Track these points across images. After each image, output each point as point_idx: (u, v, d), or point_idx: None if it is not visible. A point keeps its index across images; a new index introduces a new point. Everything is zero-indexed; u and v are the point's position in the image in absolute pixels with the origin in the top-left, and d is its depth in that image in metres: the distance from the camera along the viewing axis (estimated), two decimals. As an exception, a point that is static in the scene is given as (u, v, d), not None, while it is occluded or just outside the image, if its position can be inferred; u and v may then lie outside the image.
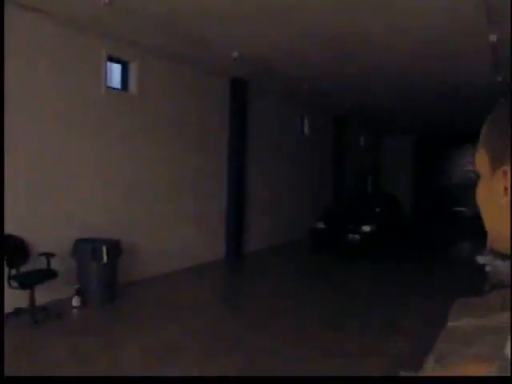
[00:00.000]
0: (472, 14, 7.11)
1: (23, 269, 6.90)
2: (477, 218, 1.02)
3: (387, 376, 3.08)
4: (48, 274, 7.01)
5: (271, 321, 7.24)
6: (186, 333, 6.63)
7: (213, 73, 11.17)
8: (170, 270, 9.95)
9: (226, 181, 11.99)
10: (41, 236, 7.36)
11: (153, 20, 7.81)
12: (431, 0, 6.86)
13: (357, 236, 12.29)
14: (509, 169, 0.88)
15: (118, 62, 9.19)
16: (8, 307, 6.62)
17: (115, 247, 7.89)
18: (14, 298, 6.72)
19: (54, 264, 7.21)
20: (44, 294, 7.14)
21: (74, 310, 7.41)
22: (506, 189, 0.89)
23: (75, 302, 7.45)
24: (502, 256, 0.97)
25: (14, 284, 6.64)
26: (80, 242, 7.73)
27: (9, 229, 6.65)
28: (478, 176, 0.99)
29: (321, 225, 12.85)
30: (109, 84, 8.90)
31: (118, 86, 9.31)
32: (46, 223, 7.57)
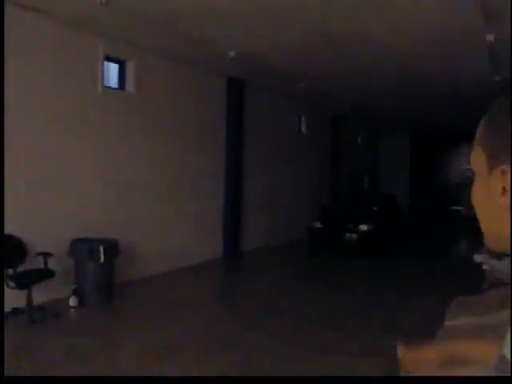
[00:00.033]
0: (470, 14, 7.12)
1: (20, 268, 6.89)
2: (474, 218, 1.01)
3: (387, 376, 3.08)
4: (45, 274, 7.00)
5: (268, 320, 7.24)
6: (183, 332, 6.63)
7: (210, 72, 11.17)
8: (168, 270, 9.95)
9: (224, 180, 11.99)
10: (38, 236, 7.36)
11: (150, 19, 7.80)
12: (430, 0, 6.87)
13: (354, 235, 12.29)
14: (508, 168, 0.87)
15: (115, 61, 9.18)
16: (6, 307, 6.61)
17: (112, 247, 7.88)
18: (12, 298, 6.72)
19: (52, 264, 7.21)
20: (41, 294, 7.13)
21: (72, 310, 7.40)
22: (504, 188, 0.88)
23: (72, 301, 7.44)
24: (497, 255, 0.97)
25: (11, 284, 6.63)
26: (77, 242, 7.72)
27: (8, 229, 6.64)
28: (473, 174, 0.98)
29: (318, 224, 12.84)
30: (106, 83, 8.90)
31: (116, 86, 9.30)
32: (44, 223, 7.57)
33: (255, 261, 12.24)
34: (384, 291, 9.18)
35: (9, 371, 4.72)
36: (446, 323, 4.24)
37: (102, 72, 8.65)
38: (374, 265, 11.50)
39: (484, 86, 11.48)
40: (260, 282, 9.79)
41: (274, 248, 13.59)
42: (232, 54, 9.60)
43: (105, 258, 7.61)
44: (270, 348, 6.09)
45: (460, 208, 21.64)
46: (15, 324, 6.58)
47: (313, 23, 7.92)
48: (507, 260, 4.62)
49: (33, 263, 7.07)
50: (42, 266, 7.09)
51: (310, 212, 14.38)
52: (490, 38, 7.97)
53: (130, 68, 9.32)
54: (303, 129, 16.48)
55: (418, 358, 1.53)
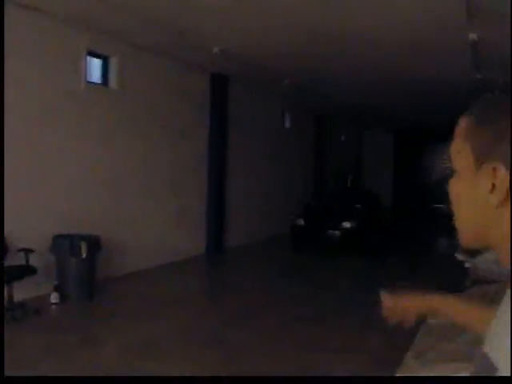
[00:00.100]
0: (453, 13, 7.16)
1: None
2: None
3: (387, 376, 3.10)
4: (27, 271, 6.94)
5: (252, 316, 7.24)
6: (166, 328, 6.61)
7: (194, 68, 11.14)
8: (150, 266, 9.90)
9: (207, 176, 11.97)
10: (19, 232, 7.28)
11: (133, 14, 7.75)
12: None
13: (337, 232, 12.33)
14: (500, 166, 0.86)
15: (98, 56, 9.11)
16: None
17: (94, 243, 7.83)
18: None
19: (33, 260, 7.14)
20: (22, 291, 7.06)
21: (53, 307, 7.35)
22: (493, 185, 0.87)
23: (54, 298, 7.38)
24: (471, 252, 0.98)
25: (-8, 280, 6.56)
26: (59, 238, 7.66)
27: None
28: (455, 170, 0.97)
29: (301, 221, 12.87)
30: (89, 79, 8.83)
31: (99, 81, 9.24)
32: (25, 219, 7.49)
33: (239, 257, 12.24)
34: (367, 288, 9.18)
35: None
36: (428, 320, 4.26)
37: (85, 67, 8.58)
38: (356, 262, 11.55)
39: (464, 84, 11.58)
40: (243, 279, 9.78)
41: (256, 243, 13.59)
42: (216, 49, 9.57)
43: (86, 254, 7.56)
44: (254, 344, 6.09)
45: (441, 206, 21.80)
46: (-5, 321, 6.52)
47: (299, 19, 7.92)
48: (488, 257, 4.66)
49: (14, 259, 7.00)
50: (23, 262, 7.03)
51: (294, 208, 14.39)
52: (472, 36, 8.02)
53: (113, 64, 9.26)
54: (287, 126, 16.51)
55: (398, 305, 1.63)
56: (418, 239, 16.18)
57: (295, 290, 8.89)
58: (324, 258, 11.93)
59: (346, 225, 12.40)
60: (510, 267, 0.88)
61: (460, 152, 0.95)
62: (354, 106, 17.19)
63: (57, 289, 7.41)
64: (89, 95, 8.67)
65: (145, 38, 9.01)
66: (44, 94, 7.87)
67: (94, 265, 7.87)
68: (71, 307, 7.44)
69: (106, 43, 8.93)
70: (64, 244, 7.55)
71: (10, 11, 7.05)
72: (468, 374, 0.96)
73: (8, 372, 4.51)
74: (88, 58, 8.73)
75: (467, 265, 4.91)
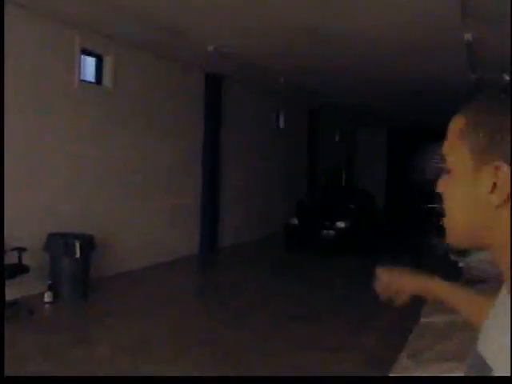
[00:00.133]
0: (448, 13, 7.16)
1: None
2: None
3: (388, 376, 3.10)
4: (20, 270, 6.91)
5: (246, 315, 7.24)
6: (159, 328, 6.60)
7: (188, 67, 11.12)
8: (144, 265, 9.87)
9: (201, 175, 11.96)
10: (13, 230, 7.24)
11: (127, 13, 7.74)
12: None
13: (331, 232, 12.34)
14: (502, 164, 0.85)
15: (92, 55, 9.08)
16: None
17: (88, 242, 7.81)
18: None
19: (26, 259, 7.11)
20: (15, 290, 7.03)
21: (46, 306, 7.31)
22: (494, 184, 0.86)
23: (47, 297, 7.35)
24: (460, 252, 0.97)
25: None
26: (52, 237, 7.64)
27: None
28: (448, 170, 0.96)
29: (295, 221, 12.87)
30: (83, 77, 8.81)
31: (92, 80, 9.21)
32: (18, 217, 7.45)
33: (232, 256, 12.24)
34: (361, 287, 9.19)
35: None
36: (422, 320, 4.27)
37: (79, 66, 8.55)
38: (350, 261, 11.55)
39: (461, 84, 11.60)
40: (237, 278, 9.78)
41: (250, 243, 13.58)
42: (210, 48, 9.56)
43: (80, 253, 7.54)
44: (248, 343, 6.09)
45: (434, 206, 21.81)
46: (-12, 320, 6.49)
47: (297, 18, 7.91)
48: (481, 257, 4.67)
49: (7, 258, 6.97)
50: (16, 261, 7.00)
51: (287, 207, 14.40)
52: (467, 37, 8.03)
53: (107, 62, 9.23)
54: (281, 124, 16.49)
55: (394, 281, 1.62)
56: (411, 239, 16.20)
57: (289, 290, 8.89)
58: (318, 258, 11.93)
59: (340, 224, 12.41)
60: (509, 268, 0.87)
61: (456, 151, 0.93)
62: (350, 106, 17.22)
63: (50, 288, 7.38)
64: (82, 94, 8.64)
65: (139, 37, 8.99)
66: (38, 91, 7.83)
67: (88, 264, 7.85)
68: (65, 306, 7.42)
69: (100, 42, 8.91)
70: (58, 243, 7.52)
71: (6, 10, 7.03)
72: (461, 374, 0.96)
73: None
74: (82, 56, 8.70)
75: (461, 264, 4.93)
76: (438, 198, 1.00)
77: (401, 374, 2.99)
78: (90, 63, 9.17)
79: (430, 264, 11.27)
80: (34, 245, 7.45)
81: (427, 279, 1.61)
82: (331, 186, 19.70)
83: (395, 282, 1.64)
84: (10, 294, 6.87)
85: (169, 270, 10.13)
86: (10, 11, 7.09)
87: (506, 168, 0.85)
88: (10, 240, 7.13)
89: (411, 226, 19.36)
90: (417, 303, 4.63)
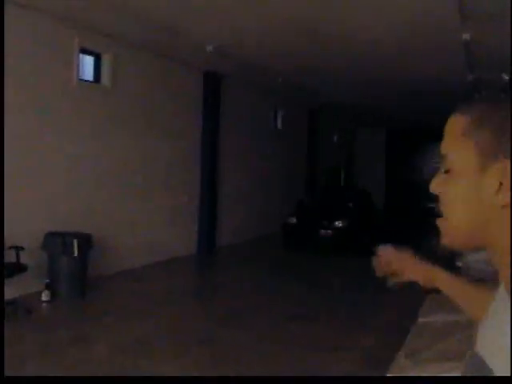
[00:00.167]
0: (446, 13, 7.17)
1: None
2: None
3: (388, 376, 3.10)
4: (17, 268, 6.90)
5: (244, 315, 7.23)
6: (157, 327, 6.60)
7: (187, 66, 11.11)
8: (142, 264, 9.88)
9: (199, 174, 11.95)
10: (10, 229, 7.23)
11: (126, 13, 7.73)
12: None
13: (329, 231, 12.33)
14: (508, 163, 0.84)
15: (90, 53, 9.07)
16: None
17: (86, 241, 7.80)
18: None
19: (24, 258, 7.10)
20: (13, 289, 7.02)
21: (44, 305, 7.30)
22: (501, 185, 0.85)
23: (45, 296, 7.34)
24: (454, 253, 0.96)
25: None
26: (50, 236, 7.63)
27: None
28: (448, 169, 0.94)
29: (293, 220, 12.86)
30: (81, 76, 8.79)
31: (91, 79, 9.20)
32: (16, 216, 7.44)
33: (230, 256, 12.23)
34: (359, 287, 9.21)
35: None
36: (420, 320, 4.27)
37: (77, 64, 8.54)
38: (349, 261, 11.53)
39: (459, 85, 11.60)
40: (235, 278, 9.77)
41: (248, 242, 13.58)
42: (209, 48, 9.55)
43: (78, 252, 7.53)
44: (246, 344, 6.08)
45: (434, 206, 21.71)
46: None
47: (297, 18, 7.92)
48: (478, 256, 4.67)
49: (4, 257, 6.96)
50: (14, 260, 6.99)
51: (286, 206, 14.39)
52: (466, 37, 8.04)
53: (106, 61, 9.22)
54: (280, 124, 16.48)
55: (394, 260, 1.60)
56: (411, 238, 16.19)
57: (287, 289, 8.88)
58: (316, 257, 11.93)
59: (339, 224, 12.41)
60: (509, 269, 0.87)
61: (458, 150, 0.92)
62: (350, 106, 17.22)
63: (48, 287, 7.37)
64: (81, 92, 8.63)
65: (138, 36, 8.98)
66: (36, 90, 7.83)
67: (86, 263, 7.84)
68: (63, 305, 7.41)
69: (98, 40, 8.89)
70: (56, 242, 7.52)
71: (6, 10, 7.02)
72: (459, 374, 0.96)
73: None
74: (81, 55, 8.68)
75: (459, 264, 4.93)
76: (435, 197, 0.99)
77: (399, 374, 2.99)
78: (88, 62, 9.15)
79: (429, 263, 11.29)
80: (32, 244, 7.44)
81: (429, 266, 1.58)
82: (331, 186, 19.71)
83: (396, 261, 1.61)
84: (8, 292, 6.86)
85: (167, 269, 10.12)
86: (9, 10, 7.09)
87: None
88: (9, 239, 7.13)
89: (411, 226, 19.37)
90: (416, 303, 4.63)
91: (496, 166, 0.85)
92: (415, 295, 4.92)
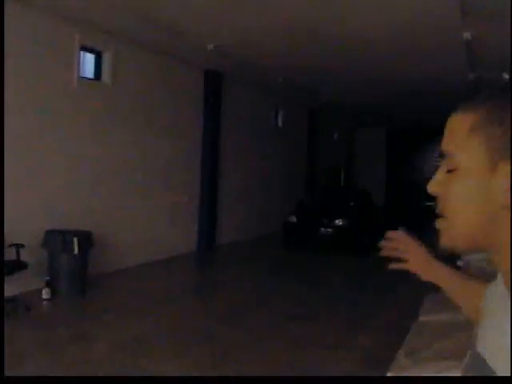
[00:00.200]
0: (447, 11, 7.17)
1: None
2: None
3: (388, 376, 3.10)
4: (18, 266, 6.91)
5: (244, 314, 7.23)
6: (157, 325, 6.60)
7: (188, 64, 11.11)
8: (142, 262, 9.88)
9: (200, 173, 11.96)
10: (10, 227, 7.24)
11: (127, 11, 7.73)
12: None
13: (329, 230, 12.33)
14: None
15: (91, 51, 9.07)
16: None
17: (86, 239, 7.80)
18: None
19: (24, 255, 7.11)
20: (13, 286, 7.03)
21: (44, 302, 7.31)
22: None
23: (45, 293, 7.35)
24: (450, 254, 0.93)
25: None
26: (51, 233, 7.63)
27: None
28: (453, 168, 0.91)
29: (293, 219, 12.87)
30: (82, 74, 8.79)
31: (92, 76, 9.20)
32: (16, 214, 7.45)
33: (230, 254, 12.23)
34: (360, 286, 9.22)
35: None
36: (420, 318, 4.27)
37: (78, 62, 8.54)
38: (349, 260, 11.55)
39: (460, 84, 11.60)
40: (235, 276, 9.78)
41: (248, 241, 13.58)
42: (210, 46, 9.55)
43: (78, 249, 7.54)
44: (246, 342, 6.08)
45: (432, 204, 21.68)
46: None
47: (297, 18, 7.92)
48: (478, 256, 4.67)
49: (5, 255, 6.96)
50: (14, 257, 7.00)
51: (286, 206, 14.39)
52: (467, 36, 8.04)
53: (107, 58, 9.22)
54: (280, 123, 16.49)
55: (402, 243, 1.59)
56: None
57: (287, 288, 8.89)
58: (317, 256, 11.93)
59: (339, 222, 12.41)
60: (509, 271, 0.86)
61: (466, 149, 0.89)
62: (350, 106, 17.22)
63: (48, 284, 7.38)
64: (81, 90, 8.63)
65: (139, 34, 8.98)
66: (37, 88, 7.82)
67: (86, 260, 7.85)
68: (63, 303, 7.41)
69: (99, 38, 8.89)
70: (56, 239, 7.52)
71: (6, 9, 7.02)
72: (459, 373, 0.96)
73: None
74: (81, 52, 8.68)
75: (459, 263, 4.92)
76: (434, 198, 0.97)
77: (398, 373, 2.99)
78: (89, 60, 9.15)
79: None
80: (32, 241, 7.45)
81: (433, 259, 1.57)
82: (331, 186, 19.70)
83: (404, 246, 1.60)
84: (8, 290, 6.86)
85: (167, 267, 10.13)
86: (9, 8, 7.09)
87: None
88: (9, 236, 7.14)
89: (411, 226, 19.36)
90: (415, 303, 4.62)
91: (506, 164, 0.84)
92: (415, 295, 4.93)
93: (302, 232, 12.63)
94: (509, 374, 0.77)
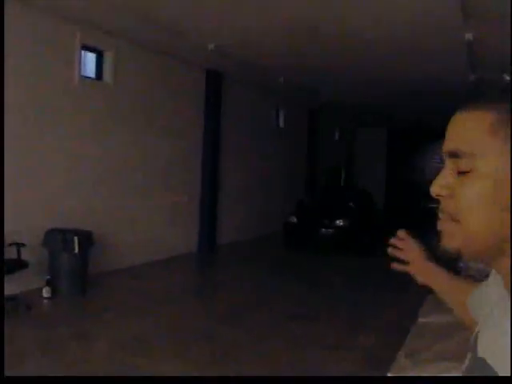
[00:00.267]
0: (449, 12, 7.16)
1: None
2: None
3: (388, 376, 3.10)
4: (18, 265, 6.91)
5: (245, 314, 7.23)
6: (158, 325, 6.60)
7: (189, 64, 11.11)
8: (142, 262, 9.88)
9: (200, 173, 11.96)
10: (11, 226, 7.24)
11: (128, 10, 7.73)
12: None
13: (330, 230, 12.33)
14: None
15: (92, 50, 9.07)
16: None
17: (87, 238, 7.81)
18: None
19: (25, 254, 7.11)
20: (13, 285, 7.03)
21: (45, 301, 7.32)
22: None
23: (46, 292, 7.36)
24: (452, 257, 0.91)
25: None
26: (51, 232, 7.64)
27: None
28: (468, 170, 0.86)
29: (294, 219, 12.86)
30: (83, 73, 8.79)
31: (93, 76, 9.20)
32: (17, 213, 7.46)
33: (231, 254, 12.23)
34: (360, 287, 9.22)
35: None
36: (420, 320, 4.27)
37: (79, 61, 8.54)
38: (349, 260, 11.55)
39: (461, 84, 11.60)
40: (235, 276, 9.78)
41: (250, 242, 13.58)
42: (211, 46, 9.55)
43: (79, 248, 7.54)
44: (246, 342, 6.08)
45: (434, 205, 21.64)
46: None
47: (298, 18, 7.92)
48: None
49: (5, 254, 6.96)
50: (15, 256, 7.00)
51: (287, 206, 14.39)
52: (468, 36, 8.03)
53: (108, 58, 9.22)
54: (281, 123, 16.49)
55: (406, 246, 1.59)
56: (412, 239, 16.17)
57: (288, 288, 8.89)
58: (317, 256, 11.93)
59: (339, 223, 12.41)
60: (509, 271, 0.86)
61: (486, 150, 0.84)
62: (350, 105, 17.21)
63: (49, 283, 7.39)
64: (83, 89, 8.63)
65: (139, 34, 8.98)
66: (38, 87, 7.83)
67: (87, 260, 7.85)
68: (63, 302, 7.42)
69: (100, 38, 8.89)
70: (56, 238, 7.53)
71: (6, 8, 7.01)
72: (459, 374, 0.96)
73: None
74: (82, 52, 8.68)
75: (461, 264, 4.93)
76: (435, 199, 0.92)
77: (398, 374, 3.00)
78: (90, 59, 9.15)
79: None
80: (33, 240, 7.45)
81: (432, 265, 1.56)
82: (331, 186, 19.70)
83: (406, 250, 1.60)
84: (9, 289, 6.86)
85: (167, 267, 10.13)
86: (10, 7, 7.09)
87: None
88: (9, 235, 7.14)
89: (411, 226, 19.35)
90: (416, 303, 4.62)
91: None
92: (415, 295, 4.93)
93: (302, 233, 12.62)
94: (509, 374, 0.77)
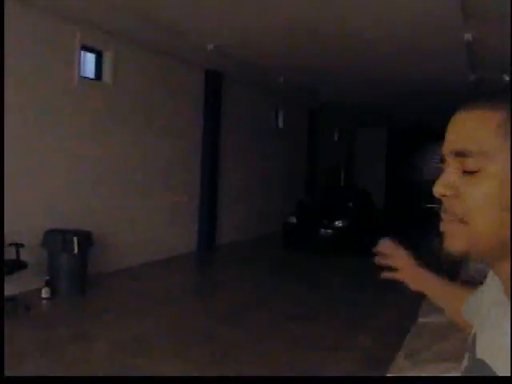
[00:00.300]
0: (449, 12, 7.16)
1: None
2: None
3: (388, 376, 3.10)
4: (17, 265, 6.91)
5: (244, 315, 7.23)
6: (157, 325, 6.60)
7: (188, 64, 11.11)
8: (142, 262, 9.88)
9: (200, 173, 11.96)
10: (10, 226, 7.24)
11: (128, 11, 7.73)
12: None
13: (329, 231, 12.32)
14: None
15: (92, 51, 9.07)
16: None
17: (86, 238, 7.80)
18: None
19: (24, 255, 7.11)
20: (13, 286, 7.03)
21: (44, 302, 7.31)
22: None
23: (45, 293, 7.35)
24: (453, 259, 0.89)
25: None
26: (50, 233, 7.63)
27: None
28: (475, 170, 0.84)
29: (293, 219, 12.86)
30: (82, 73, 8.79)
31: (92, 76, 9.20)
32: (16, 213, 7.45)
33: (230, 255, 12.23)
34: (359, 287, 9.21)
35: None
36: (419, 320, 4.27)
37: (79, 62, 8.54)
38: (349, 261, 11.54)
39: (461, 85, 11.60)
40: (235, 277, 9.78)
41: (249, 242, 13.58)
42: (210, 46, 9.55)
43: (78, 249, 7.54)
44: (246, 342, 6.08)
45: (434, 206, 21.64)
46: (-14, 316, 6.48)
47: (298, 18, 7.92)
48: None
49: (4, 254, 6.95)
50: (14, 257, 6.99)
51: (286, 206, 14.39)
52: (467, 37, 8.03)
53: (107, 58, 9.22)
54: (281, 123, 16.48)
55: (391, 253, 1.56)
56: (410, 238, 16.18)
57: (287, 289, 8.88)
58: (316, 257, 11.92)
59: (339, 223, 12.40)
60: (509, 276, 0.86)
61: (494, 149, 0.82)
62: (350, 106, 17.22)
63: (48, 284, 7.38)
64: (82, 90, 8.63)
65: (139, 34, 8.98)
66: (37, 88, 7.82)
67: (86, 260, 7.85)
68: (62, 302, 7.41)
69: (100, 38, 8.89)
70: (56, 239, 7.52)
71: (6, 7, 7.01)
72: (458, 374, 0.96)
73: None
74: (82, 52, 8.68)
75: (464, 265, 4.92)
76: (436, 199, 0.90)
77: (398, 374, 2.99)
78: (89, 59, 9.15)
79: (429, 264, 11.29)
80: (32, 241, 7.45)
81: (422, 270, 1.56)
82: (331, 186, 19.70)
83: (393, 257, 1.59)
84: (8, 289, 6.86)
85: (167, 267, 10.12)
86: (10, 7, 7.09)
87: None
88: (9, 236, 7.13)
89: (411, 226, 19.36)
90: (416, 303, 4.62)
91: None
92: (415, 296, 4.93)
93: (302, 233, 12.62)
94: (509, 374, 0.77)
